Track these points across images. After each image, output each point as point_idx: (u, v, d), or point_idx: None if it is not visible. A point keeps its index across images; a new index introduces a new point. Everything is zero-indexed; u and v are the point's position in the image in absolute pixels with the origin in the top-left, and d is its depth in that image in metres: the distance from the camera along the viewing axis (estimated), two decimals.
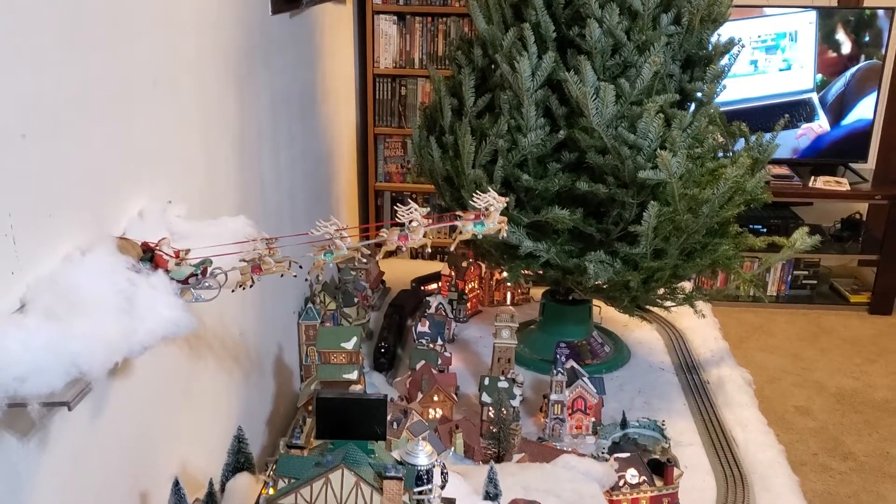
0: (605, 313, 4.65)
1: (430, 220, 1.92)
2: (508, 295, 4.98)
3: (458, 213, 1.96)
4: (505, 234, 2.02)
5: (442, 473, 2.07)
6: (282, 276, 1.99)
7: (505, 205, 2.01)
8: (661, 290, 3.95)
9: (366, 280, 4.71)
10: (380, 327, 4.41)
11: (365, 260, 4.73)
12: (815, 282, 6.78)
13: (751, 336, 5.96)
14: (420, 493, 1.98)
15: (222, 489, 2.36)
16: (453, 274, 4.83)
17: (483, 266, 4.90)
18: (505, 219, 1.96)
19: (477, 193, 2.03)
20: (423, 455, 2.02)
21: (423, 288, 4.97)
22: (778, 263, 6.81)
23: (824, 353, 5.81)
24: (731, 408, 3.87)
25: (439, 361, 3.85)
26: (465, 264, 4.83)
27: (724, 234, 3.86)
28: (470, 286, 4.87)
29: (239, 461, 2.37)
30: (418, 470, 1.99)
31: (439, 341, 4.04)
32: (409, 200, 1.92)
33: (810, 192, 6.80)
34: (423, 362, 3.74)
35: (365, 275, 4.76)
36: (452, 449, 3.21)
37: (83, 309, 1.66)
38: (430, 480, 2.00)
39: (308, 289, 4.15)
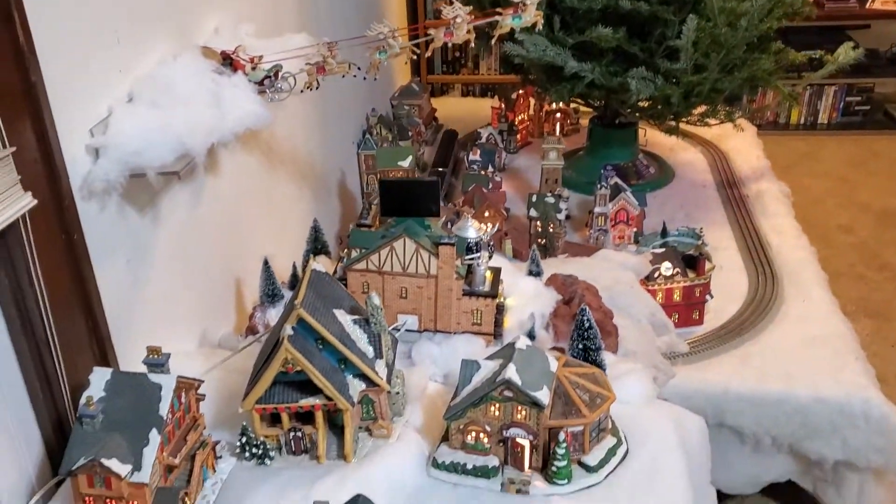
0: (651, 138, 4.83)
1: (473, 17, 2.13)
2: (558, 126, 5.15)
3: (497, 8, 2.16)
4: (540, 27, 2.21)
5: (489, 245, 2.38)
6: (343, 76, 2.25)
7: None
8: (703, 108, 4.09)
9: (419, 116, 4.95)
10: (434, 156, 4.68)
11: (418, 89, 4.94)
12: (867, 107, 6.70)
13: (799, 162, 6.05)
14: (470, 259, 2.30)
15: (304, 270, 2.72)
16: (503, 105, 5.02)
17: (532, 98, 5.08)
18: (541, 13, 2.15)
19: None
20: (472, 229, 2.33)
21: None
22: (831, 90, 6.78)
23: (872, 175, 5.89)
24: (767, 217, 4.09)
25: (490, 186, 4.12)
26: (514, 96, 5.01)
27: (764, 49, 3.95)
28: (520, 118, 5.06)
29: (317, 247, 2.73)
30: (468, 241, 2.31)
31: (490, 168, 4.31)
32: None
33: (867, 12, 6.63)
34: (474, 185, 4.02)
35: (418, 111, 4.99)
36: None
37: (180, 100, 1.97)
38: (478, 250, 2.33)
39: (366, 121, 4.42)
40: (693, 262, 3.32)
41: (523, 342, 1.97)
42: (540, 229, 3.72)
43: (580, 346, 2.18)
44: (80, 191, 1.86)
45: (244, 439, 1.94)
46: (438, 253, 2.24)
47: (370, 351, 1.97)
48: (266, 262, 2.48)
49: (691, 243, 3.75)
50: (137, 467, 1.66)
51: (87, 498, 1.68)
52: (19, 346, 1.75)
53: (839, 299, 3.49)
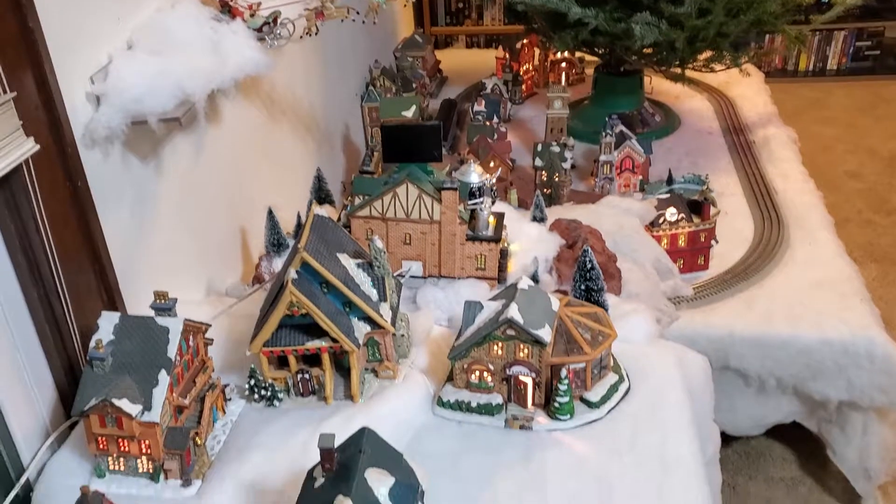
0: (657, 86, 4.79)
1: None
2: (563, 76, 5.10)
3: None
4: None
5: (492, 190, 2.39)
6: (342, 20, 2.24)
7: None
8: (709, 53, 4.05)
9: (423, 68, 4.92)
10: (438, 108, 4.66)
11: (421, 40, 4.89)
12: (878, 52, 6.59)
13: (807, 109, 5.98)
14: (473, 204, 2.31)
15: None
16: (507, 56, 4.98)
17: (537, 48, 5.03)
18: None
19: None
20: (474, 174, 2.33)
21: None
22: (840, 35, 6.67)
23: (880, 120, 5.82)
24: (774, 162, 4.06)
25: (495, 136, 4.11)
26: (518, 46, 4.96)
27: None
28: (525, 68, 5.02)
29: (320, 197, 2.75)
30: (471, 186, 2.31)
31: (495, 119, 4.28)
32: None
33: None
34: (479, 136, 4.01)
35: (422, 63, 4.96)
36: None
37: (179, 47, 1.97)
38: (481, 195, 2.33)
39: (369, 74, 4.39)
40: (698, 207, 3.31)
41: (525, 282, 1.99)
42: (545, 179, 3.72)
43: (583, 286, 2.20)
44: (83, 139, 1.87)
45: (253, 382, 1.97)
46: (441, 198, 2.25)
47: (374, 294, 1.99)
48: (270, 212, 2.50)
49: (697, 190, 3.74)
50: (148, 407, 1.69)
51: (99, 438, 1.73)
52: (28, 293, 1.78)
53: (846, 245, 3.49)
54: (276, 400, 1.99)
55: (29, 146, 1.61)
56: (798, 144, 4.27)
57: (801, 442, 3.34)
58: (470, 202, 2.32)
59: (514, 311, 1.87)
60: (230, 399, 2.00)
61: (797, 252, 3.39)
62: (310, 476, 1.53)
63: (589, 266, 2.18)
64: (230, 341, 2.15)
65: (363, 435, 1.53)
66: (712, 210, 3.30)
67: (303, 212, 2.69)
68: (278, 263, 2.54)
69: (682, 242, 3.29)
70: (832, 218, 3.65)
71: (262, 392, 1.98)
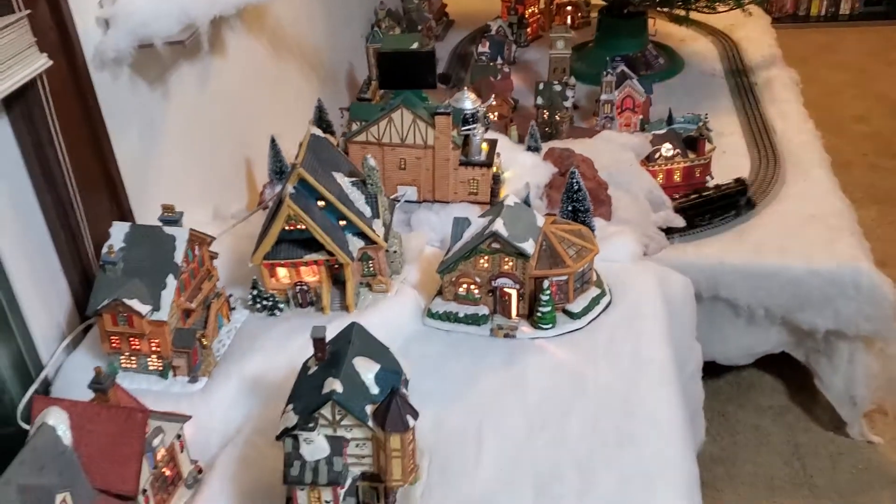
0: (661, 29, 4.81)
1: None
2: (569, 19, 5.12)
3: None
4: None
5: (484, 117, 2.48)
6: None
7: None
8: None
9: (429, 10, 4.96)
10: (448, 56, 4.71)
11: None
12: None
13: (817, 54, 5.97)
14: (466, 130, 2.41)
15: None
16: None
17: None
18: None
19: None
20: (468, 101, 2.42)
21: None
22: None
23: (891, 65, 5.80)
24: (775, 103, 4.10)
25: (499, 77, 4.16)
26: None
27: None
28: (530, 10, 5.04)
29: (322, 127, 2.84)
30: (465, 112, 2.41)
31: (499, 60, 4.33)
32: None
33: None
34: (482, 76, 4.06)
35: (428, 5, 4.99)
36: None
37: None
38: (474, 122, 2.43)
39: (374, 16, 4.45)
40: (693, 143, 3.38)
41: (512, 199, 2.10)
42: (546, 117, 3.78)
43: (570, 207, 2.30)
44: (93, 61, 1.98)
45: (255, 292, 2.10)
46: (435, 123, 2.35)
47: (367, 210, 2.11)
48: (273, 140, 2.61)
49: (694, 128, 3.79)
50: (157, 308, 1.83)
51: (112, 337, 1.87)
52: (44, 203, 1.91)
53: (848, 186, 3.53)
54: (277, 310, 2.12)
55: (42, 61, 1.72)
56: (800, 86, 4.30)
57: (789, 373, 3.45)
58: (463, 128, 2.41)
59: (499, 225, 1.98)
60: (234, 308, 2.13)
61: (791, 188, 3.45)
62: (304, 367, 1.66)
63: (576, 188, 2.28)
64: (234, 259, 2.27)
65: (352, 329, 1.66)
66: (707, 146, 3.37)
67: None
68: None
69: (677, 177, 3.37)
70: (830, 157, 3.70)
71: (264, 302, 2.11)
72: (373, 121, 2.37)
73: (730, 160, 3.68)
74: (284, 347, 1.98)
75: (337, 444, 1.48)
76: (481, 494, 1.67)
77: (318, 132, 2.15)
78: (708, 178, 3.42)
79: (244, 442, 1.77)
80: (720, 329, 3.27)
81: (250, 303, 2.13)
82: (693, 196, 3.32)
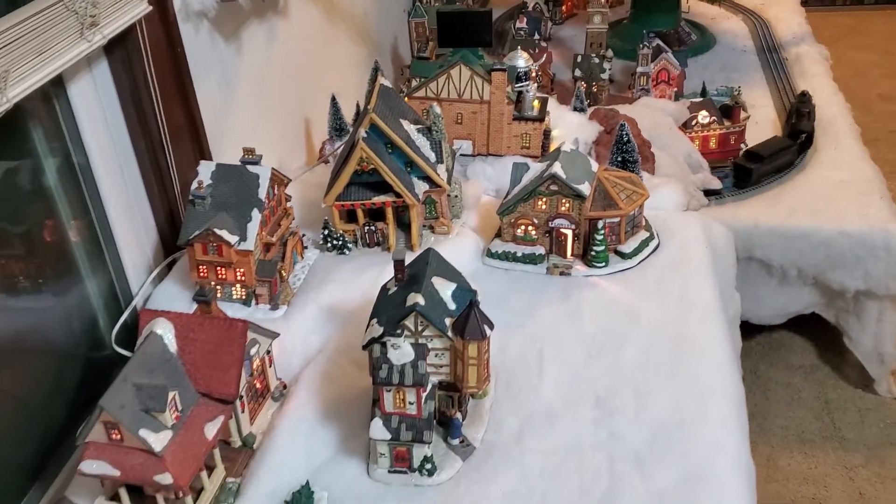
0: (694, 8, 4.92)
1: None
2: None
3: None
4: None
5: (537, 75, 2.61)
6: None
7: None
8: None
9: None
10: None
11: None
12: None
13: (844, 36, 6.05)
14: (519, 87, 2.54)
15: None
16: None
17: None
18: None
19: None
20: (521, 59, 2.56)
21: None
22: None
23: None
24: (805, 77, 4.20)
25: (537, 50, 4.29)
26: None
27: None
28: None
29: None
30: (518, 70, 2.54)
31: (536, 36, 4.45)
32: None
33: None
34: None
35: None
36: None
37: None
38: (527, 79, 2.56)
39: None
40: (729, 112, 3.50)
41: (568, 146, 2.23)
42: (585, 89, 3.90)
43: (619, 158, 2.43)
44: (180, 11, 2.12)
45: (326, 232, 2.25)
46: (491, 79, 2.48)
47: (432, 156, 2.25)
48: (333, 98, 2.75)
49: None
50: (244, 238, 1.98)
51: (200, 266, 2.02)
52: (137, 145, 2.06)
53: (877, 162, 3.63)
54: (346, 249, 2.27)
55: (143, 7, 1.87)
56: (830, 62, 4.39)
57: (818, 334, 3.57)
58: (516, 85, 2.55)
59: (557, 168, 2.11)
60: (307, 248, 2.28)
61: (822, 155, 3.56)
62: (383, 289, 1.81)
63: (626, 139, 2.41)
64: (303, 204, 2.42)
65: (429, 253, 1.80)
66: (742, 114, 3.49)
67: (361, 102, 2.94)
68: (339, 146, 2.81)
69: (713, 144, 3.49)
70: (858, 127, 3.80)
71: (335, 241, 2.26)
72: (432, 76, 2.51)
73: (763, 131, 3.79)
74: (356, 280, 2.12)
75: (420, 350, 1.62)
76: (546, 408, 1.81)
77: (387, 83, 2.29)
78: (742, 145, 3.54)
79: (326, 360, 1.92)
80: (754, 289, 3.38)
81: (321, 242, 2.27)
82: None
